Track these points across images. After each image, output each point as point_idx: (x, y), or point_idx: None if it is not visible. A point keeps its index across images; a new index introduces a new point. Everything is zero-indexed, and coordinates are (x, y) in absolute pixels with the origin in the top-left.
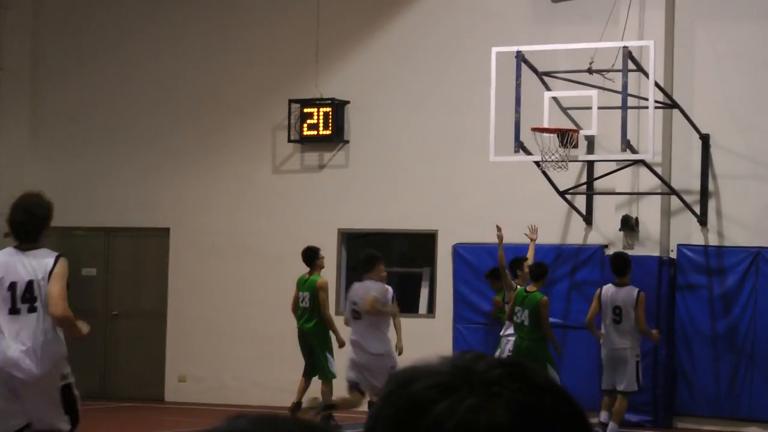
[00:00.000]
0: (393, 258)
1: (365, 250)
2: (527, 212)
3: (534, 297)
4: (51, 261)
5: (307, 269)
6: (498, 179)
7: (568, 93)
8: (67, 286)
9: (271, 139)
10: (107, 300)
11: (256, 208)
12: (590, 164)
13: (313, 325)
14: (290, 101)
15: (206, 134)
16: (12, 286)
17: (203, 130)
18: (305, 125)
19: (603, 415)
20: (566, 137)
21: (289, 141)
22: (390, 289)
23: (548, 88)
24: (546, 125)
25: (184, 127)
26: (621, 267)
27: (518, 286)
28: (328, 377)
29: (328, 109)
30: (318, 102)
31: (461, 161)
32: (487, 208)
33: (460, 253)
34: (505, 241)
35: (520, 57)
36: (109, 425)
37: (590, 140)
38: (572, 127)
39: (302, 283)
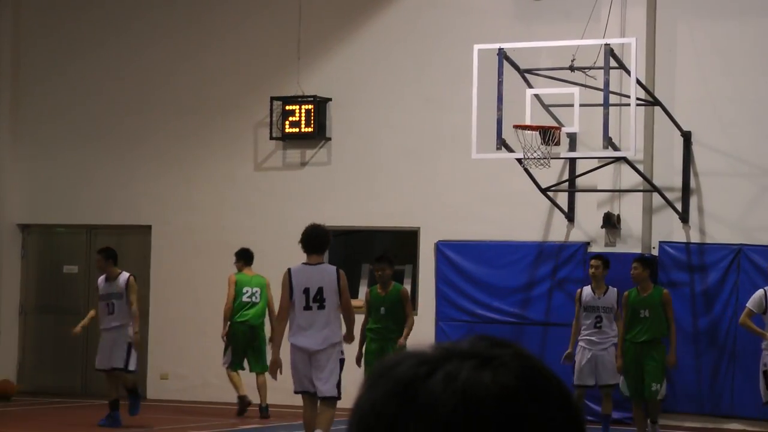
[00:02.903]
0: (375, 255)
1: None
2: (509, 209)
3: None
4: (334, 274)
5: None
6: (480, 176)
7: (550, 90)
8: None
9: (253, 137)
10: (89, 297)
11: (238, 205)
12: (572, 161)
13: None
14: (272, 98)
15: (188, 132)
16: (306, 291)
17: (185, 127)
18: (287, 122)
19: None
20: (548, 134)
21: (271, 138)
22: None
23: (530, 86)
24: (528, 122)
25: (166, 125)
26: None
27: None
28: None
29: (310, 107)
30: (300, 99)
31: (443, 158)
32: (470, 206)
33: (442, 250)
34: (486, 238)
35: (502, 54)
36: (92, 423)
37: (572, 137)
38: (554, 124)
39: (249, 280)
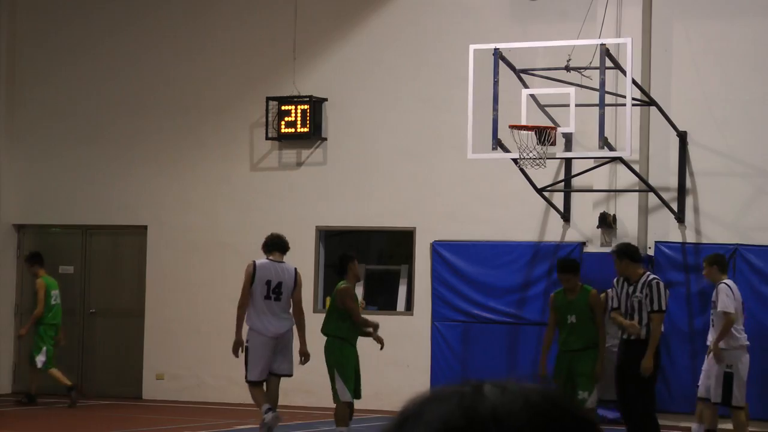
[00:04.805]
0: (371, 255)
1: None
2: (505, 210)
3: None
4: (293, 272)
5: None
6: (476, 177)
7: (545, 90)
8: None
9: (249, 137)
10: (85, 298)
11: (234, 205)
12: (568, 161)
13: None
14: (268, 99)
15: (184, 132)
16: (268, 283)
17: (181, 128)
18: (283, 123)
19: None
20: (544, 135)
21: (267, 138)
22: None
23: (526, 86)
24: (524, 123)
25: (161, 125)
26: None
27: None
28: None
29: (306, 107)
30: (296, 99)
31: (439, 158)
32: (465, 206)
33: (438, 250)
34: (482, 238)
35: (498, 54)
36: (87, 423)
37: (568, 138)
38: (550, 124)
39: (52, 283)
